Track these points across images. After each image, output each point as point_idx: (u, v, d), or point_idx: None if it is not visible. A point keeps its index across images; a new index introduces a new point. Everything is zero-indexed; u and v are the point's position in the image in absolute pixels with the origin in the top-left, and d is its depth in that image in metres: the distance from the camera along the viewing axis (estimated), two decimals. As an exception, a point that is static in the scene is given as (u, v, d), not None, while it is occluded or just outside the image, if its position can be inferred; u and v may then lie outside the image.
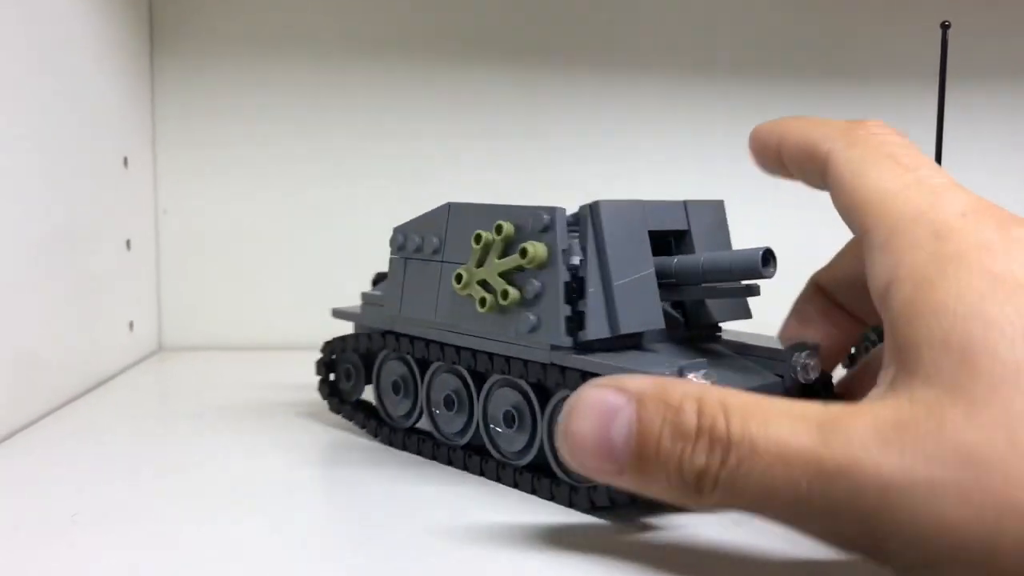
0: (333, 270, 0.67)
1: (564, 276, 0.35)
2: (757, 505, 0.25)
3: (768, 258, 0.35)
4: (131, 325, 0.62)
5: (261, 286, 0.68)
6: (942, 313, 0.25)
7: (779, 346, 0.37)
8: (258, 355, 0.65)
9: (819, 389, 0.37)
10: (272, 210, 0.68)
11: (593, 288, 0.35)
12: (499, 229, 0.36)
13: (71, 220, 0.52)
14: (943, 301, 0.25)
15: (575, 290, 0.35)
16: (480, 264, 0.37)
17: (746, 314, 0.40)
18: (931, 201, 0.28)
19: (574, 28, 0.69)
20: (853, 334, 0.39)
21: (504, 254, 0.36)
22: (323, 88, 0.68)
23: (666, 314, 0.38)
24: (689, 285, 0.37)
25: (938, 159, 0.48)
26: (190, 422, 0.47)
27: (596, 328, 0.34)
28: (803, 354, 0.36)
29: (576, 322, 0.35)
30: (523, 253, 0.35)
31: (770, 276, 0.35)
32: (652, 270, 0.36)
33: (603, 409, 0.27)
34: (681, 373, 0.32)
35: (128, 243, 0.61)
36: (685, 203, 0.39)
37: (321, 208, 0.68)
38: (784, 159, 0.34)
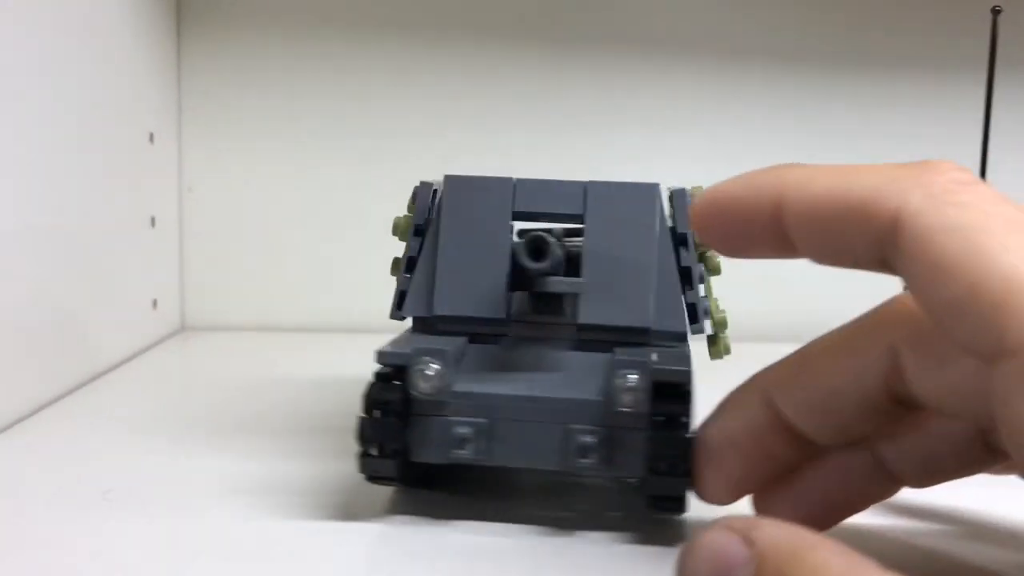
0: (360, 250, 0.66)
1: (412, 252, 0.34)
2: None
3: (534, 248, 0.30)
4: (154, 303, 0.61)
5: (286, 266, 0.68)
6: None
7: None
8: (282, 336, 0.65)
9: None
10: (298, 189, 0.68)
11: (421, 265, 0.33)
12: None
13: (96, 196, 0.51)
14: None
15: (411, 267, 0.34)
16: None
17: (672, 321, 0.32)
18: None
19: (612, 11, 0.68)
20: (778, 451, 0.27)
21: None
22: (352, 65, 0.67)
23: (538, 306, 0.33)
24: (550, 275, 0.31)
25: (984, 156, 0.47)
26: (214, 402, 0.46)
27: (412, 306, 0.33)
28: (629, 376, 0.28)
29: (400, 299, 0.34)
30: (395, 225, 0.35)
31: (539, 273, 0.30)
32: (503, 255, 0.32)
33: (720, 560, 0.21)
34: (409, 358, 0.29)
35: (153, 220, 0.61)
36: (586, 185, 0.33)
37: (348, 187, 0.67)
38: (793, 224, 0.24)
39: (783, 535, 0.21)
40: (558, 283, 0.31)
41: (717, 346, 0.34)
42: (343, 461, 0.35)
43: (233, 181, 0.67)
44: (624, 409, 0.28)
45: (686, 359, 0.30)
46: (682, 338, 0.32)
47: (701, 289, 0.33)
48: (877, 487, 0.27)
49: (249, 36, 0.66)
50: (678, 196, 0.33)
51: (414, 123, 0.67)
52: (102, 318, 0.52)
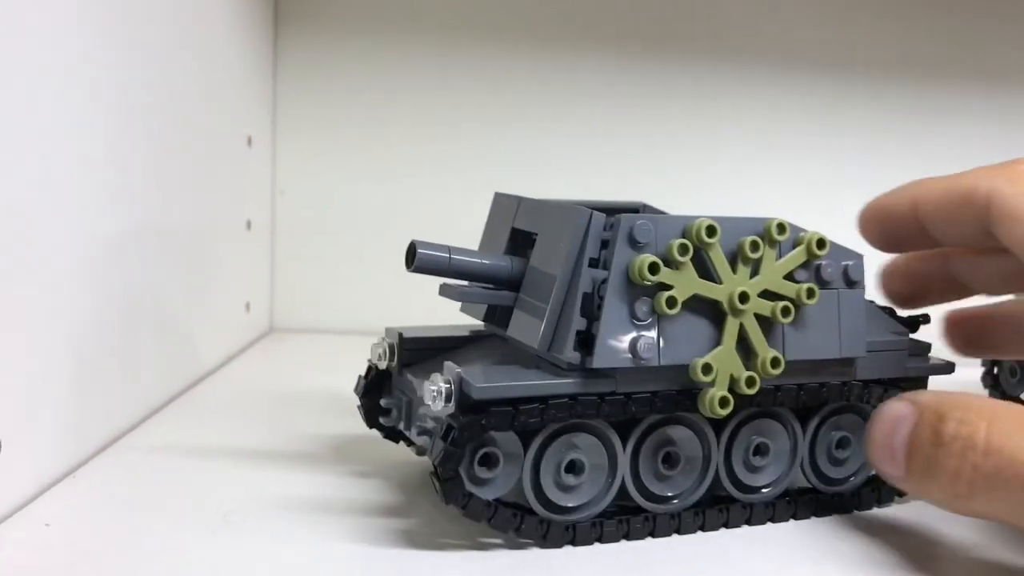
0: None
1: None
2: (1012, 517, 0.27)
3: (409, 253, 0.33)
4: (247, 306, 0.62)
5: (373, 270, 0.68)
6: None
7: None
8: (368, 340, 0.65)
9: None
10: (387, 192, 0.67)
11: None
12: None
13: (197, 199, 0.52)
14: None
15: None
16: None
17: None
18: None
19: (696, 17, 0.66)
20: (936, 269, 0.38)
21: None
22: (445, 71, 0.66)
23: (495, 316, 0.35)
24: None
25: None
26: (316, 410, 0.46)
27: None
28: (434, 379, 0.31)
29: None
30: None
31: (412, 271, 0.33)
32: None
33: (894, 418, 0.29)
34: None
35: (249, 223, 0.61)
36: (544, 203, 0.34)
37: (437, 191, 0.67)
38: (925, 217, 0.33)
39: (935, 394, 0.29)
40: (492, 296, 0.34)
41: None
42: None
43: (324, 185, 0.67)
44: (428, 407, 0.31)
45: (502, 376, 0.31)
46: (574, 367, 0.31)
47: (616, 322, 0.31)
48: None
49: (343, 41, 0.66)
50: (594, 223, 0.31)
51: (506, 129, 0.67)
52: (200, 322, 0.53)
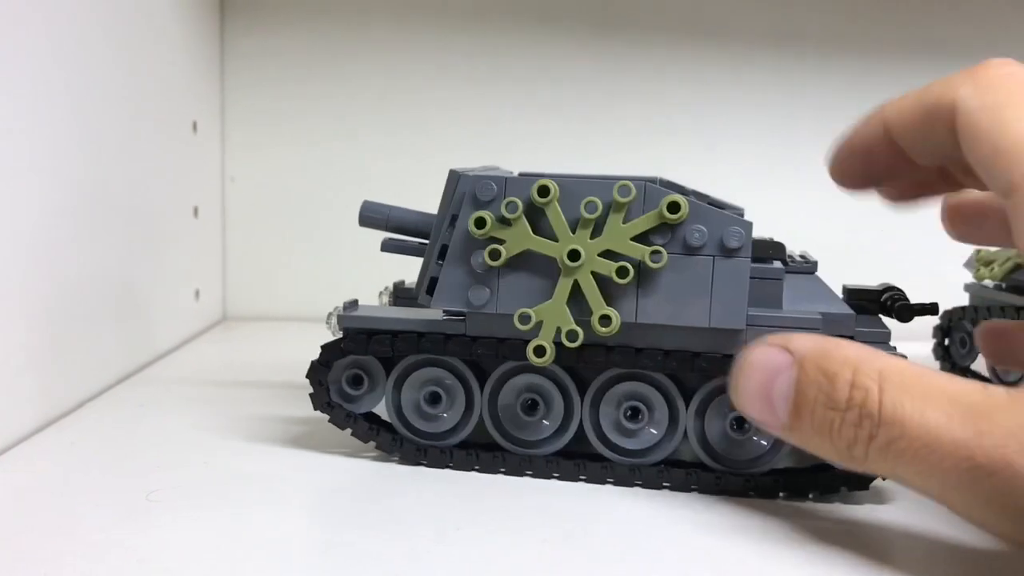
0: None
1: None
2: (911, 482, 0.25)
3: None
4: (197, 294, 0.61)
5: (327, 256, 0.68)
6: None
7: None
8: (322, 326, 0.64)
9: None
10: (339, 180, 0.67)
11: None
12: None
13: (142, 186, 0.51)
14: None
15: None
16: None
17: None
18: None
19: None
20: (920, 181, 0.34)
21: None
22: (394, 56, 0.66)
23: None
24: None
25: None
26: (259, 395, 0.46)
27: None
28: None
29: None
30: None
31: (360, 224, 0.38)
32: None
33: (768, 367, 0.28)
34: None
35: (196, 210, 0.61)
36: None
37: (389, 177, 0.67)
38: (899, 136, 0.30)
39: (813, 340, 0.28)
40: (419, 248, 0.38)
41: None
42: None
43: (275, 172, 0.67)
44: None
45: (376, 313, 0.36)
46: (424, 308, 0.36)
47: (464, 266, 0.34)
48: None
49: (292, 27, 0.65)
50: (460, 184, 0.35)
51: (456, 112, 0.67)
52: (147, 307, 0.52)
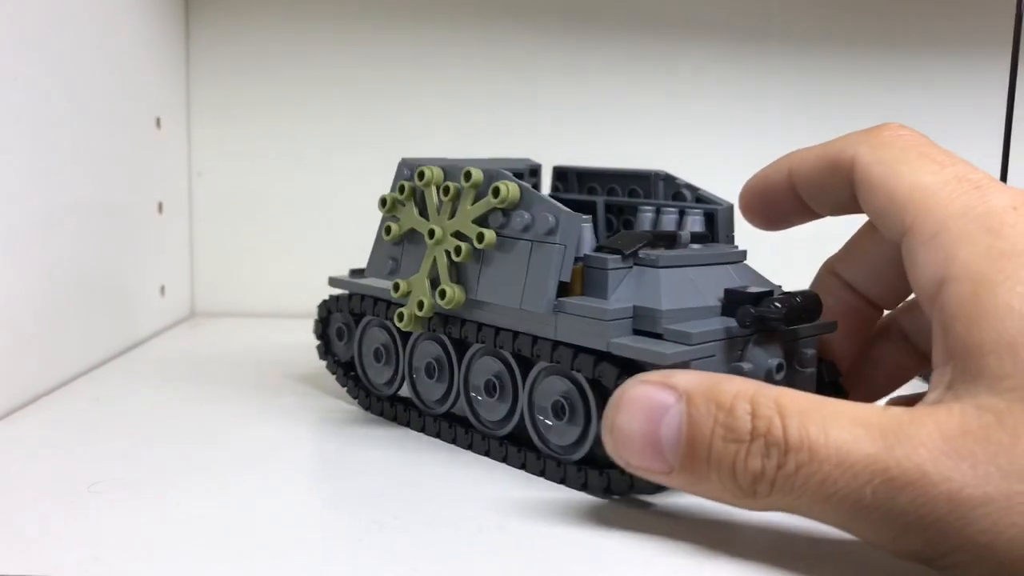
0: (369, 236, 0.65)
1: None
2: (816, 510, 0.25)
3: None
4: (162, 290, 0.61)
5: (295, 252, 0.67)
6: (1007, 315, 0.24)
7: None
8: (292, 322, 0.64)
9: (829, 383, 0.36)
10: (307, 175, 0.67)
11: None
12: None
13: (101, 181, 0.51)
14: (1007, 302, 0.24)
15: None
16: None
17: None
18: (977, 196, 0.27)
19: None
20: (872, 321, 0.37)
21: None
22: (361, 51, 0.66)
23: None
24: None
25: (1007, 136, 0.46)
26: (218, 389, 0.46)
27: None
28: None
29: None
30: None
31: None
32: None
33: (651, 406, 0.26)
34: None
35: (160, 206, 0.60)
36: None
37: (356, 173, 0.67)
38: (799, 185, 0.33)
39: (698, 375, 0.26)
40: None
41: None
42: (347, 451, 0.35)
43: (242, 167, 0.66)
44: None
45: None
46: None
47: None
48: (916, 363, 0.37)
49: (257, 22, 0.65)
50: (401, 168, 0.39)
51: (423, 108, 0.66)
52: (109, 304, 0.52)
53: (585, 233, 0.34)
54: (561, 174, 0.46)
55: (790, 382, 0.33)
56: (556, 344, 0.33)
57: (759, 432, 0.24)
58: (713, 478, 0.25)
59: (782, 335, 0.33)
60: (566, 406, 0.33)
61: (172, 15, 0.62)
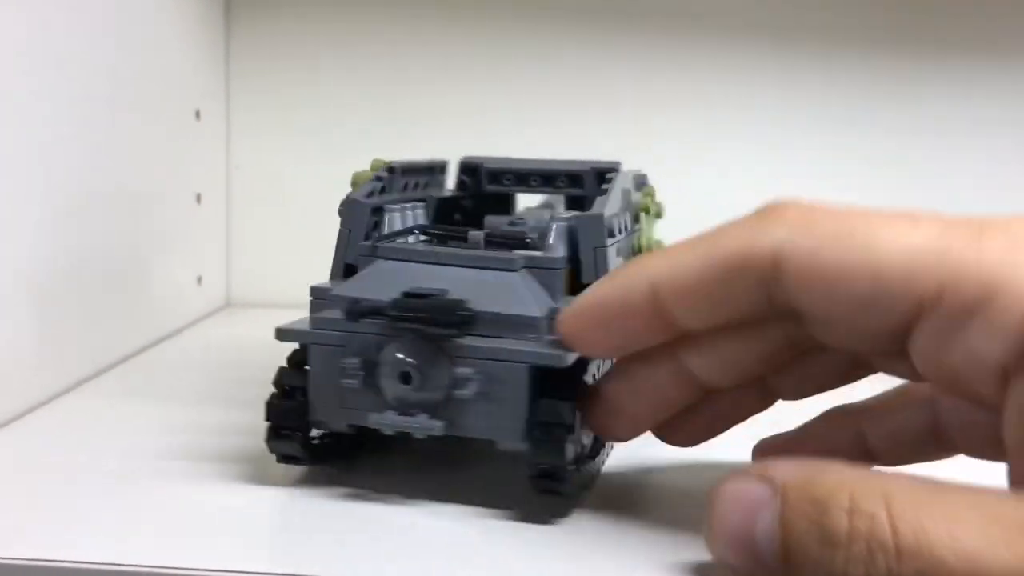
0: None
1: None
2: None
3: None
4: (199, 280, 0.62)
5: (329, 244, 0.68)
6: None
7: None
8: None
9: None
10: (345, 168, 0.67)
11: None
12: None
13: (142, 172, 0.52)
14: None
15: None
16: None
17: None
18: (1006, 242, 0.22)
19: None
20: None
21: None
22: (399, 44, 0.66)
23: None
24: None
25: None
26: (258, 374, 0.46)
27: None
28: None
29: None
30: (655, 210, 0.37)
31: None
32: None
33: (746, 503, 0.23)
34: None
35: (198, 197, 0.61)
36: None
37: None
38: (674, 303, 0.26)
39: (796, 465, 0.23)
40: None
41: None
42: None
43: (280, 159, 0.67)
44: None
45: None
46: None
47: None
48: (760, 405, 0.30)
49: (297, 15, 0.66)
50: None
51: (458, 103, 0.66)
52: (147, 292, 0.53)
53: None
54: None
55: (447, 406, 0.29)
56: None
57: (859, 533, 0.20)
58: None
59: (433, 340, 0.29)
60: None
61: (213, 8, 0.63)
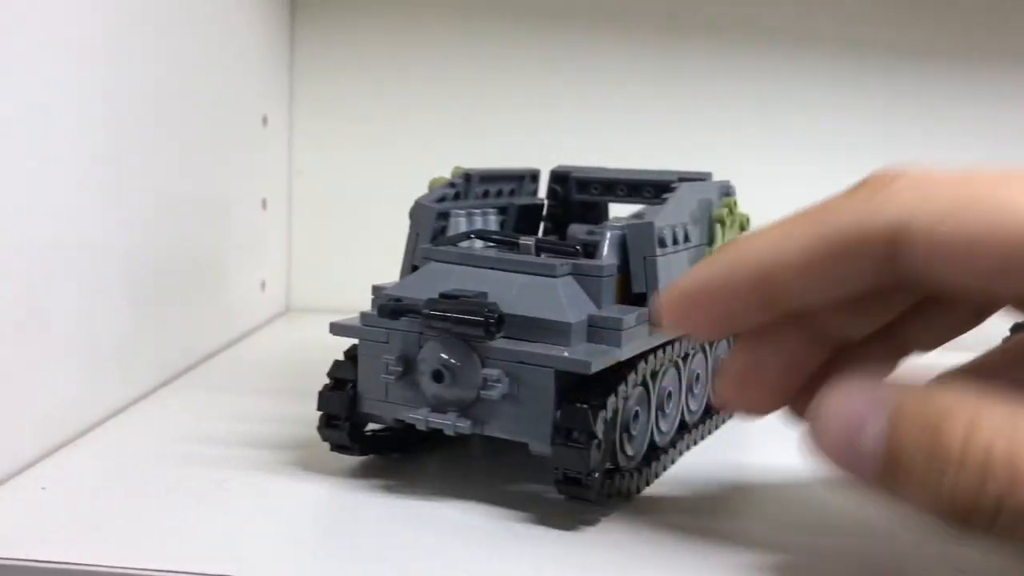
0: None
1: None
2: None
3: None
4: (263, 285, 0.62)
5: (390, 251, 0.68)
6: None
7: None
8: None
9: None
10: (404, 176, 0.67)
11: None
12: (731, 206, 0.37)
13: (215, 178, 0.52)
14: None
15: None
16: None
17: None
18: None
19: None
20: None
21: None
22: (462, 51, 0.66)
23: None
24: None
25: None
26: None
27: None
28: None
29: None
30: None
31: None
32: None
33: (851, 418, 0.22)
34: None
35: (264, 203, 0.61)
36: None
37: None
38: (782, 285, 0.24)
39: (909, 383, 0.22)
40: None
41: None
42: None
43: (342, 166, 0.67)
44: None
45: None
46: None
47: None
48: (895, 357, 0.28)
49: (361, 21, 0.66)
50: None
51: (522, 109, 0.66)
52: (214, 297, 0.53)
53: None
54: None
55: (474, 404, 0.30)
56: None
57: (974, 456, 0.20)
58: (919, 496, 0.21)
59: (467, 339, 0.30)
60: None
61: (278, 16, 0.63)
